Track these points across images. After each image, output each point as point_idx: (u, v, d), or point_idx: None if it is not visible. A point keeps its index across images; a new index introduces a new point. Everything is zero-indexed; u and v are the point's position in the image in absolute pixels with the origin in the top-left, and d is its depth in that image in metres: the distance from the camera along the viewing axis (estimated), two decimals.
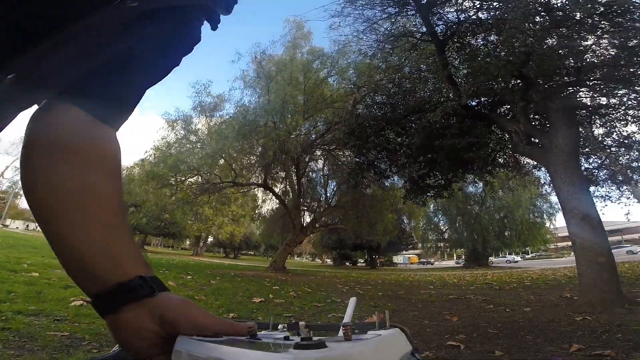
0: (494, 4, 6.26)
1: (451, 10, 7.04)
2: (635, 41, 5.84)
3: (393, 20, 7.32)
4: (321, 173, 18.54)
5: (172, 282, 6.40)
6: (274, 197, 17.05)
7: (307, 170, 17.31)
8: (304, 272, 18.79)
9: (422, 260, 49.80)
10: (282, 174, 17.09)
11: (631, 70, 6.37)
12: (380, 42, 7.78)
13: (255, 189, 18.12)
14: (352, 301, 0.74)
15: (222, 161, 12.97)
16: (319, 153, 15.41)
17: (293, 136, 11.38)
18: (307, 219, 19.60)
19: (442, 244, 36.06)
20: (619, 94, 7.22)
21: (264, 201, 19.90)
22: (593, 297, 4.90)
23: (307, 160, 15.38)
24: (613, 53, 6.35)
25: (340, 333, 0.68)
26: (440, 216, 32.76)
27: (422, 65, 8.23)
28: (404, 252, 44.78)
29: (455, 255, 44.60)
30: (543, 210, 28.19)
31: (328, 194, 18.45)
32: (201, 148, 12.54)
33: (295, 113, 10.92)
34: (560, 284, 8.80)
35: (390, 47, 7.82)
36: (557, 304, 5.62)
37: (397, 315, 5.05)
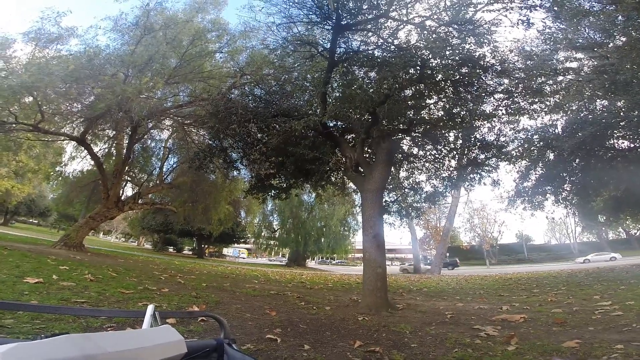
0: (392, 47, 7.13)
1: (357, 38, 7.68)
2: (457, 109, 7.70)
3: (309, 27, 7.38)
4: (163, 145, 16.34)
5: None
6: (89, 156, 13.59)
7: (145, 136, 14.85)
8: (110, 253, 15.79)
9: (273, 258, 50.22)
10: (110, 133, 13.97)
11: (443, 131, 8.47)
12: (286, 41, 7.70)
13: (65, 141, 14.01)
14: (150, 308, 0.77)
15: (29, 99, 9.47)
16: (168, 123, 13.52)
17: (143, 97, 9.57)
18: (129, 192, 16.77)
19: (272, 242, 38.20)
20: (426, 148, 9.50)
21: (73, 158, 15.50)
22: (370, 301, 5.98)
23: (149, 126, 13.22)
24: (440, 114, 8.15)
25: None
26: (274, 216, 34.97)
27: (308, 76, 8.57)
28: (235, 244, 44.74)
29: (281, 254, 48.05)
30: (351, 226, 34.55)
31: (164, 169, 16.45)
32: (5, 77, 8.79)
33: (158, 74, 9.23)
34: (352, 288, 10.65)
35: (292, 49, 7.84)
36: (347, 304, 6.64)
37: (220, 307, 4.97)
